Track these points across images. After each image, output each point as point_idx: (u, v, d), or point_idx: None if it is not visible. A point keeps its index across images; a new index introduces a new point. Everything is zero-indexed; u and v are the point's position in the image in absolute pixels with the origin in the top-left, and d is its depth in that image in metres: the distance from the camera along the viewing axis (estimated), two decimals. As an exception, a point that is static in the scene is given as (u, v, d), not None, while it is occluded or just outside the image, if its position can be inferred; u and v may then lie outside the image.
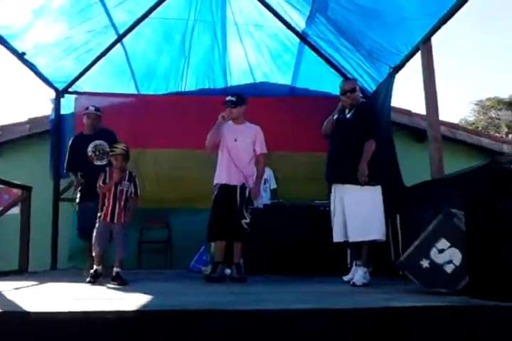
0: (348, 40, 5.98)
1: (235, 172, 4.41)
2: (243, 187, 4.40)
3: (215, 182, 4.46)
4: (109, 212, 4.07)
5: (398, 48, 5.42)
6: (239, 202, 4.35)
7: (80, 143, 5.08)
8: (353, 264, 4.06)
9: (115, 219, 4.08)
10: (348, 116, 4.20)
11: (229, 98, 4.56)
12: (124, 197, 4.16)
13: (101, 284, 3.83)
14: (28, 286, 3.67)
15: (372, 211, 3.96)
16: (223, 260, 4.34)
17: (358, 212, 3.92)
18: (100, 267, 4.04)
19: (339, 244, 4.15)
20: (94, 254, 4.07)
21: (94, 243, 4.07)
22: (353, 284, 3.72)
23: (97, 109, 5.21)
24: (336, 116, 4.29)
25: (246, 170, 4.46)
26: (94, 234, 4.08)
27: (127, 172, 4.25)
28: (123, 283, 3.85)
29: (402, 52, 5.45)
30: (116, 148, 4.23)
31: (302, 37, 6.54)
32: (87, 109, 5.23)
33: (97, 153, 4.98)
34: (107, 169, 4.23)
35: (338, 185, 4.09)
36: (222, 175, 4.42)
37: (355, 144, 4.00)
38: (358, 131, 4.03)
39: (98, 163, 4.94)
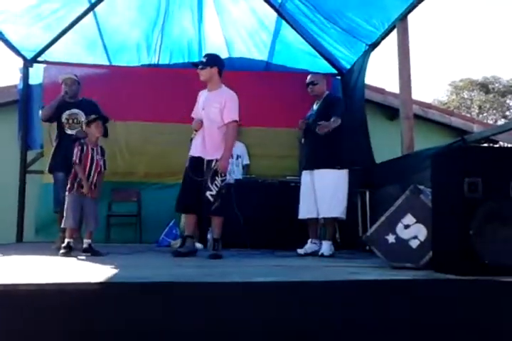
0: (325, 17, 5.91)
1: (202, 143, 4.14)
2: (208, 160, 4.12)
3: (189, 154, 4.23)
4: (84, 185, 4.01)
5: (374, 26, 5.41)
6: (205, 175, 4.08)
7: (57, 108, 4.80)
8: (312, 239, 4.43)
9: (88, 193, 4.02)
10: (316, 109, 4.52)
11: (198, 61, 4.33)
12: (98, 171, 4.12)
13: (71, 257, 3.79)
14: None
15: (338, 191, 4.30)
16: (192, 234, 4.23)
17: (325, 192, 4.28)
18: (72, 240, 3.96)
19: (304, 221, 4.47)
20: (66, 227, 3.99)
21: (67, 216, 3.99)
22: (322, 255, 4.14)
23: (74, 75, 5.01)
24: (307, 116, 4.54)
25: (212, 140, 4.11)
26: (67, 206, 4.01)
27: (99, 146, 4.19)
28: (97, 253, 3.86)
29: (378, 30, 5.43)
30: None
31: (279, 12, 6.44)
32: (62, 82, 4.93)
33: (70, 121, 4.78)
34: (83, 142, 4.11)
35: (311, 170, 4.41)
36: (192, 148, 4.21)
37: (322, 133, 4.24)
38: (326, 120, 4.24)
39: (69, 131, 4.75)
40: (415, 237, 2.88)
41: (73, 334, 2.00)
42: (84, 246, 3.95)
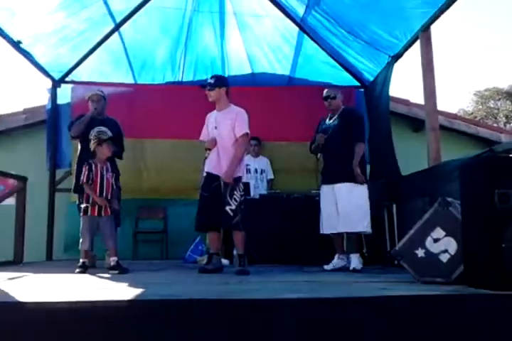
0: (347, 30, 5.92)
1: (216, 160, 4.19)
2: None
3: (205, 171, 4.27)
4: (96, 206, 4.06)
5: (397, 37, 5.38)
6: (222, 190, 4.11)
7: (87, 125, 4.78)
8: (339, 254, 4.43)
9: (102, 212, 4.07)
10: (332, 122, 4.52)
11: (208, 81, 4.41)
12: (110, 189, 4.15)
13: (92, 274, 3.83)
14: (23, 277, 3.64)
15: (360, 206, 4.29)
16: (217, 251, 4.23)
17: (348, 207, 4.26)
18: (87, 260, 4.08)
19: (327, 235, 4.45)
20: (81, 248, 4.07)
21: (83, 238, 4.06)
22: (354, 269, 4.14)
23: (100, 91, 5.07)
24: (321, 130, 4.57)
25: (228, 157, 4.16)
26: (82, 228, 4.07)
27: (108, 163, 4.24)
28: (123, 271, 3.89)
29: (401, 41, 5.40)
30: (102, 133, 4.18)
31: (301, 26, 6.48)
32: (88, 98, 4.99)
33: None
34: (92, 162, 4.15)
35: (332, 184, 4.40)
36: (209, 164, 4.24)
37: (343, 147, 4.36)
38: (345, 135, 4.37)
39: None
40: (445, 251, 2.82)
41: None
42: (112, 263, 3.99)
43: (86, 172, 4.08)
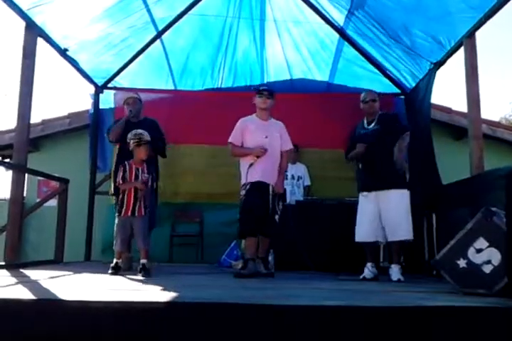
0: (388, 36, 5.85)
1: (268, 170, 4.30)
2: (273, 185, 4.32)
3: (246, 181, 4.30)
4: (130, 206, 4.10)
5: (441, 43, 5.27)
6: (271, 198, 4.25)
7: (124, 128, 4.86)
8: (372, 263, 4.32)
9: (136, 213, 4.11)
10: (372, 127, 4.45)
11: (265, 87, 4.55)
12: (143, 190, 4.16)
13: (124, 276, 3.89)
14: (63, 276, 3.74)
15: (407, 213, 4.22)
16: (254, 257, 4.25)
17: (396, 214, 4.19)
18: (120, 260, 4.14)
19: (362, 243, 4.36)
20: (115, 249, 4.15)
21: (116, 238, 4.14)
22: (399, 280, 4.01)
23: (136, 93, 5.18)
24: (359, 135, 4.51)
25: (276, 166, 4.39)
26: (116, 229, 4.14)
27: (144, 164, 4.25)
28: (147, 274, 3.89)
29: (444, 48, 5.30)
30: (142, 135, 4.22)
31: (341, 32, 6.44)
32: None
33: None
34: (126, 163, 4.20)
35: (378, 191, 4.30)
36: (257, 174, 4.27)
37: (388, 151, 4.27)
38: (388, 139, 4.30)
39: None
40: (488, 262, 2.72)
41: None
42: (140, 266, 4.00)
43: (121, 174, 4.14)
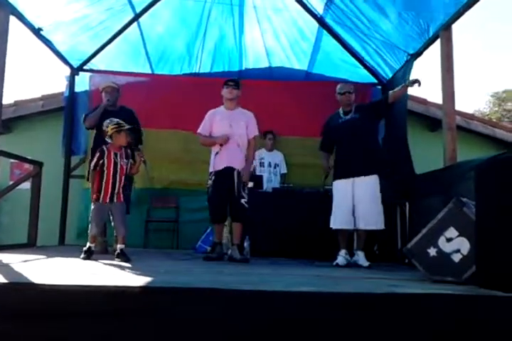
0: (366, 26, 5.88)
1: (234, 156, 4.47)
2: (239, 170, 4.47)
3: (212, 169, 4.51)
4: (109, 192, 4.05)
5: (417, 35, 5.32)
6: (236, 184, 4.40)
7: (100, 116, 4.84)
8: (345, 250, 4.43)
9: (115, 198, 4.08)
10: (351, 116, 4.58)
11: (231, 80, 4.68)
12: (123, 176, 4.13)
13: (98, 260, 3.86)
14: (36, 259, 3.71)
15: (378, 202, 4.36)
16: (221, 241, 4.55)
17: (369, 202, 4.33)
18: (94, 245, 4.09)
19: (337, 230, 4.48)
20: (89, 233, 4.09)
21: (91, 223, 4.09)
22: (369, 266, 4.18)
23: (114, 83, 5.14)
24: (337, 125, 4.64)
25: (241, 152, 4.53)
26: (92, 214, 4.09)
27: (123, 150, 4.20)
28: (126, 259, 3.88)
29: (421, 39, 5.35)
30: (121, 123, 4.19)
31: (320, 21, 6.44)
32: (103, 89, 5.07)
33: None
34: (105, 148, 4.12)
35: (355, 178, 4.40)
36: (222, 161, 4.47)
37: (368, 139, 4.50)
38: (368, 126, 4.54)
39: (109, 140, 4.85)
40: (458, 251, 2.82)
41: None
42: (117, 251, 3.99)
43: (95, 160, 4.08)
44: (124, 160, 4.16)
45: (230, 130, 4.52)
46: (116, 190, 4.08)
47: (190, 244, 5.79)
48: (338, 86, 4.73)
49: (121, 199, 4.13)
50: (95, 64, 6.93)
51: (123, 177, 4.14)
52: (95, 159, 4.08)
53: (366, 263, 4.24)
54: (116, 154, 4.12)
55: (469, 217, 2.80)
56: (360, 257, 4.33)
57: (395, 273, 3.51)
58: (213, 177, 4.49)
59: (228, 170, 4.44)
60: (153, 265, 3.79)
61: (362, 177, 4.36)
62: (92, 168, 4.09)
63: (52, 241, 6.05)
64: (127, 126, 4.19)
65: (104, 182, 4.06)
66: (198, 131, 4.70)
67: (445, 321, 2.15)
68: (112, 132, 4.15)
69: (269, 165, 6.25)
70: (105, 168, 4.07)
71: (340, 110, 4.68)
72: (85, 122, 4.97)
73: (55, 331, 2.04)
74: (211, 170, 4.53)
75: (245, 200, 4.43)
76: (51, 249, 5.23)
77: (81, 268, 3.26)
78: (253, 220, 4.86)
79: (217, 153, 4.50)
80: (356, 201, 4.35)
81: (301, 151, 6.60)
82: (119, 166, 4.10)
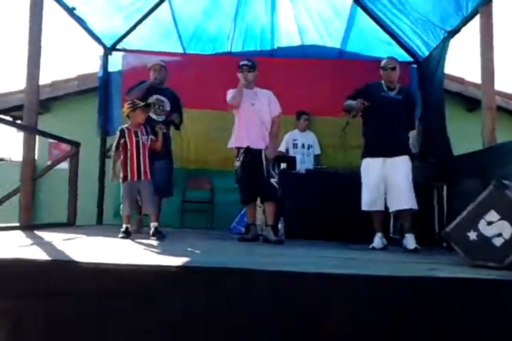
0: (402, 2, 5.71)
1: (258, 135, 4.48)
2: (265, 149, 4.49)
3: (236, 145, 4.56)
4: (135, 170, 4.13)
5: (456, 10, 5.14)
6: (265, 163, 4.41)
7: (146, 92, 4.88)
8: (381, 233, 4.30)
9: (142, 176, 4.14)
10: (394, 95, 4.41)
11: (244, 62, 4.63)
12: (146, 152, 4.19)
13: (135, 240, 3.93)
14: (76, 238, 3.79)
15: (411, 182, 4.23)
16: (255, 222, 4.60)
17: (404, 182, 4.19)
18: (129, 225, 4.17)
19: (369, 212, 4.37)
20: (123, 214, 4.17)
21: (123, 203, 4.17)
22: (415, 249, 4.00)
23: (162, 61, 5.18)
24: (380, 98, 4.41)
25: (266, 131, 4.54)
26: (123, 194, 4.17)
27: (142, 127, 4.26)
28: (162, 237, 3.97)
29: (459, 15, 5.17)
30: (136, 102, 4.25)
31: (355, -2, 6.29)
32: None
33: (156, 106, 4.86)
34: (125, 128, 4.21)
35: (389, 158, 4.27)
36: (244, 139, 4.50)
37: (405, 122, 4.40)
38: (407, 113, 4.43)
39: (153, 116, 4.80)
40: (499, 235, 2.74)
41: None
42: (152, 230, 4.07)
43: (116, 140, 4.17)
44: (145, 136, 4.22)
45: (252, 108, 4.51)
46: (142, 168, 4.14)
47: (225, 224, 5.85)
48: (383, 61, 4.54)
49: (149, 177, 4.19)
50: (128, 44, 6.95)
51: (147, 154, 4.20)
52: (116, 140, 4.17)
53: (412, 246, 4.03)
54: (136, 132, 4.19)
55: (511, 200, 2.73)
56: (408, 239, 4.10)
57: (432, 257, 3.47)
58: (241, 158, 4.51)
59: (255, 151, 4.45)
60: (188, 245, 3.83)
61: (394, 158, 4.24)
62: (114, 148, 4.17)
63: (90, 220, 6.18)
64: (142, 103, 4.24)
65: (129, 161, 4.14)
66: (227, 100, 4.65)
67: (487, 306, 2.13)
68: (128, 111, 4.21)
69: (303, 146, 6.21)
70: (128, 147, 4.14)
71: (383, 83, 4.48)
72: (129, 96, 5.00)
73: (92, 308, 2.10)
74: (236, 145, 4.57)
75: (275, 180, 4.44)
76: (90, 228, 5.35)
77: (118, 247, 3.32)
78: (285, 201, 4.86)
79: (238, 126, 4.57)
80: (388, 182, 4.24)
81: (336, 132, 6.49)
82: (141, 143, 4.17)
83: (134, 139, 4.15)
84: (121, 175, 4.17)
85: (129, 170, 4.13)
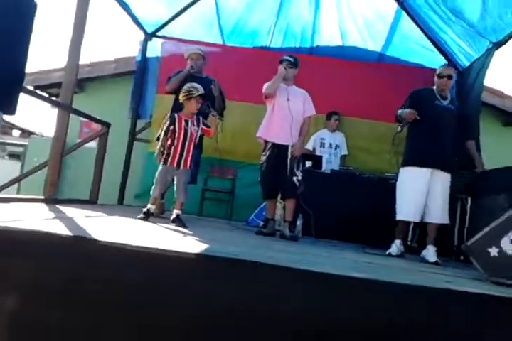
0: (450, 10, 5.60)
1: (287, 132, 4.47)
2: (292, 146, 4.49)
3: (263, 135, 4.61)
4: (177, 157, 4.14)
5: (506, 22, 5.01)
6: (289, 161, 4.43)
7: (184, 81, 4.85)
8: (401, 241, 4.21)
9: (181, 165, 4.15)
10: (447, 104, 4.28)
11: (287, 57, 4.62)
12: (193, 142, 4.20)
13: (156, 223, 3.97)
14: (97, 216, 3.84)
15: (448, 197, 4.19)
16: (273, 217, 4.63)
17: (444, 197, 4.14)
18: (154, 207, 4.19)
19: (399, 221, 4.23)
20: (152, 194, 4.18)
21: (155, 185, 4.16)
22: (436, 262, 3.86)
23: (200, 50, 5.20)
24: (433, 106, 4.25)
25: (297, 129, 4.54)
26: (158, 176, 4.17)
27: (194, 117, 4.25)
28: (182, 225, 3.97)
29: (508, 27, 5.04)
30: (194, 88, 4.21)
31: (400, 3, 6.20)
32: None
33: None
34: (176, 115, 4.20)
35: (435, 170, 4.14)
36: (273, 133, 4.53)
37: (453, 136, 4.24)
38: (455, 124, 4.25)
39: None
40: (521, 254, 2.70)
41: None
42: (173, 216, 4.08)
43: (165, 127, 4.15)
44: (195, 127, 4.21)
45: (287, 103, 4.50)
46: (184, 157, 4.15)
47: (243, 216, 5.87)
48: (440, 68, 4.39)
49: (188, 166, 4.19)
50: (169, 31, 6.99)
51: (192, 145, 4.20)
52: (165, 126, 4.16)
53: (433, 259, 3.91)
54: (187, 121, 4.19)
55: (539, 220, 2.67)
56: (430, 252, 3.99)
57: (450, 270, 3.41)
58: (267, 153, 4.53)
59: (282, 147, 4.47)
60: (206, 233, 3.86)
61: (440, 172, 4.12)
62: (162, 134, 4.16)
63: (111, 200, 6.27)
64: (197, 93, 4.20)
65: (173, 147, 4.15)
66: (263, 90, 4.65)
67: (498, 324, 2.09)
68: (183, 99, 4.22)
69: (330, 146, 6.18)
70: (176, 135, 4.14)
71: (436, 91, 4.31)
72: (167, 85, 5.04)
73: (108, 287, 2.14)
74: (263, 135, 4.60)
75: (297, 178, 4.45)
76: (111, 207, 5.42)
77: (137, 229, 3.36)
78: (306, 199, 4.84)
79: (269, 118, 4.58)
80: (430, 195, 4.10)
81: (367, 135, 6.45)
82: (189, 133, 4.17)
83: (183, 128, 4.15)
84: (162, 156, 4.18)
85: (171, 155, 4.14)
